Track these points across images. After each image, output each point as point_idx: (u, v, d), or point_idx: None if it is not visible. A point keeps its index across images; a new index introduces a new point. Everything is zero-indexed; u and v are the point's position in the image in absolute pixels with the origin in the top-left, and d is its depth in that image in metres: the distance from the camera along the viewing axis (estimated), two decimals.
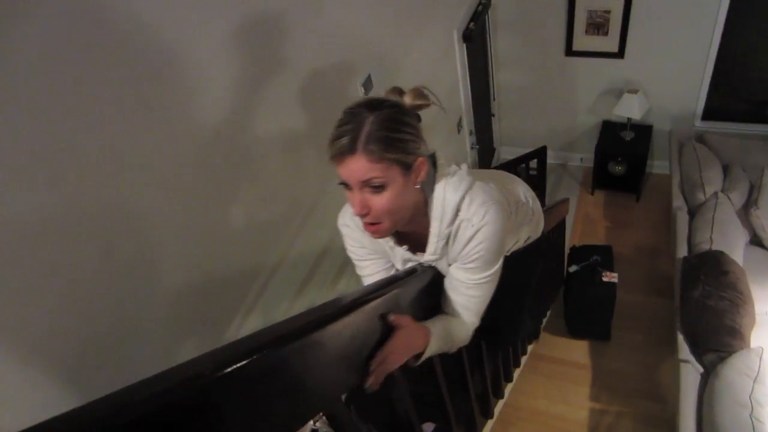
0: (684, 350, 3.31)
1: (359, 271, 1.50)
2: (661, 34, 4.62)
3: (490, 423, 2.15)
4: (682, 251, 3.99)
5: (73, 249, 1.28)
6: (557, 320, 4.18)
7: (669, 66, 4.79)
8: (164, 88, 1.46)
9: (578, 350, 3.97)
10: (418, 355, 1.14)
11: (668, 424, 3.38)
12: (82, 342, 1.34)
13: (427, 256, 1.29)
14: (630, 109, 4.82)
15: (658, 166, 5.57)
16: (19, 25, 1.04)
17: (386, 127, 1.09)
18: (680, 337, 3.38)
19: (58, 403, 1.28)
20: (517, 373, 2.62)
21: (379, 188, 1.11)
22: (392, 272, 1.41)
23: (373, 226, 1.17)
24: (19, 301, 1.17)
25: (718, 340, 3.19)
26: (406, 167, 1.14)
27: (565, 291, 4.15)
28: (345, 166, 1.11)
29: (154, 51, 1.41)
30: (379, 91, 2.73)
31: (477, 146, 4.94)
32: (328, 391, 0.87)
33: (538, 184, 5.06)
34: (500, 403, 2.38)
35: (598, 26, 4.72)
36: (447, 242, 1.25)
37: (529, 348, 3.28)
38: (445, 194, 1.22)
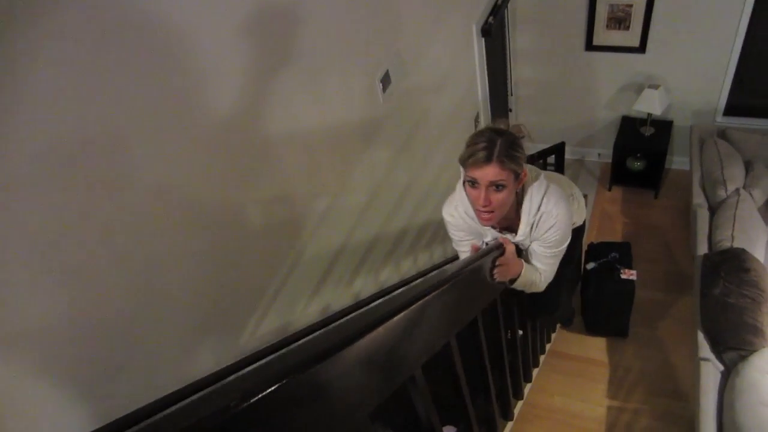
0: (704, 348, 3.27)
1: (456, 247, 2.09)
2: (684, 28, 4.53)
3: (509, 424, 2.15)
4: (703, 248, 3.94)
5: (87, 252, 1.28)
6: (575, 317, 4.15)
7: (691, 61, 4.71)
8: (178, 83, 1.45)
9: (596, 347, 3.95)
10: (513, 280, 1.75)
11: (687, 422, 3.35)
12: (98, 346, 1.35)
13: (518, 237, 1.81)
14: (650, 104, 4.75)
15: (677, 162, 5.49)
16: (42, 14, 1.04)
17: (510, 147, 1.56)
18: (700, 335, 3.34)
19: (78, 413, 1.30)
20: (535, 372, 2.61)
21: (500, 188, 1.57)
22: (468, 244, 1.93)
23: (488, 215, 1.61)
24: (33, 309, 1.17)
25: (739, 338, 3.15)
26: (517, 175, 1.60)
27: (583, 288, 4.12)
28: (480, 171, 1.55)
29: (168, 45, 1.41)
30: (396, 87, 2.73)
31: None
32: (358, 410, 0.86)
33: None
34: (519, 404, 2.38)
35: (619, 20, 4.65)
36: (531, 228, 1.76)
37: (548, 346, 3.26)
38: (532, 195, 1.73)
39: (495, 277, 1.65)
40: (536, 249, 1.85)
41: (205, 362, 1.76)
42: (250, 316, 1.98)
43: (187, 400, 0.65)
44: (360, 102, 2.46)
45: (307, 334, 2.23)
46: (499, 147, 1.54)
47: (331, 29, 2.13)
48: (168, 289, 1.55)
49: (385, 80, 2.59)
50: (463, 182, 1.67)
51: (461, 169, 1.63)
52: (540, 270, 1.89)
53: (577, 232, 2.42)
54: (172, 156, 1.47)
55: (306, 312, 2.35)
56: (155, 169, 1.42)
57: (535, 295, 2.00)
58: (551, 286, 2.00)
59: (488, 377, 1.55)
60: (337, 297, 2.59)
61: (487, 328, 1.45)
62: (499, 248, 1.74)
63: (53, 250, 1.19)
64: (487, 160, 1.53)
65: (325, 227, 2.35)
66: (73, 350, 1.28)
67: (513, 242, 1.81)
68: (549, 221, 1.73)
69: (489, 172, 1.54)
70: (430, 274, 1.07)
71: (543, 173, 1.81)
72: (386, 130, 2.75)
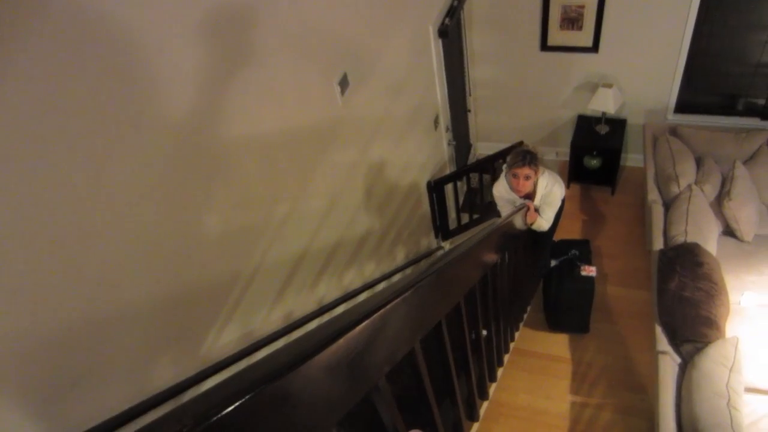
0: (662, 341, 3.36)
1: (500, 209, 3.40)
2: (635, 28, 4.66)
3: (475, 425, 2.15)
4: (658, 244, 4.05)
5: (37, 263, 1.21)
6: (537, 314, 4.21)
7: (642, 60, 4.85)
8: (128, 84, 1.39)
9: (558, 344, 4.01)
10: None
11: (648, 415, 3.43)
12: (49, 361, 1.28)
13: (535, 202, 3.19)
14: (605, 103, 4.87)
15: (632, 159, 5.64)
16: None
17: (534, 159, 2.93)
18: (658, 329, 3.43)
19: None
20: (500, 372, 2.62)
21: (528, 178, 2.97)
22: (512, 208, 3.22)
23: (522, 192, 3.06)
24: None
25: (694, 331, 3.24)
26: (535, 173, 2.98)
27: (545, 285, 4.18)
28: (520, 169, 2.95)
29: (115, 44, 1.34)
30: (355, 89, 2.70)
31: (454, 142, 4.93)
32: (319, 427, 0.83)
33: None
34: (485, 404, 2.38)
35: (572, 21, 4.75)
36: (541, 198, 3.17)
37: (511, 345, 3.29)
38: (541, 181, 3.13)
39: (528, 220, 3.16)
40: (543, 206, 3.24)
41: (163, 375, 1.69)
42: (210, 325, 1.92)
43: (139, 426, 0.60)
44: (318, 105, 2.42)
45: (269, 342, 2.17)
46: (529, 158, 2.95)
47: (286, 33, 2.09)
48: (122, 301, 1.48)
49: (343, 83, 2.56)
50: (506, 174, 3.14)
51: (504, 167, 3.14)
52: (545, 217, 3.25)
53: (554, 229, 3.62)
54: (123, 162, 1.40)
55: (268, 319, 2.29)
56: (106, 176, 1.35)
57: (537, 253, 3.81)
58: (543, 247, 3.84)
59: (453, 380, 1.53)
60: (300, 303, 2.54)
61: (451, 331, 1.43)
62: (524, 207, 3.13)
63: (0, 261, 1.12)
64: (523, 164, 2.95)
65: (286, 232, 2.30)
66: (21, 367, 1.21)
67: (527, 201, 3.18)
68: (550, 194, 3.19)
69: (525, 171, 2.97)
70: (396, 281, 1.04)
71: (546, 171, 3.19)
72: (346, 133, 2.72)
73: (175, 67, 1.54)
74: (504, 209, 3.31)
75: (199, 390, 1.91)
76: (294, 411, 0.77)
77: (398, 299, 0.96)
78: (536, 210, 3.25)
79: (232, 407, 0.65)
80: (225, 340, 2.01)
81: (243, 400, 0.66)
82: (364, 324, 0.85)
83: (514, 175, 2.98)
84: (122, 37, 1.35)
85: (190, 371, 1.81)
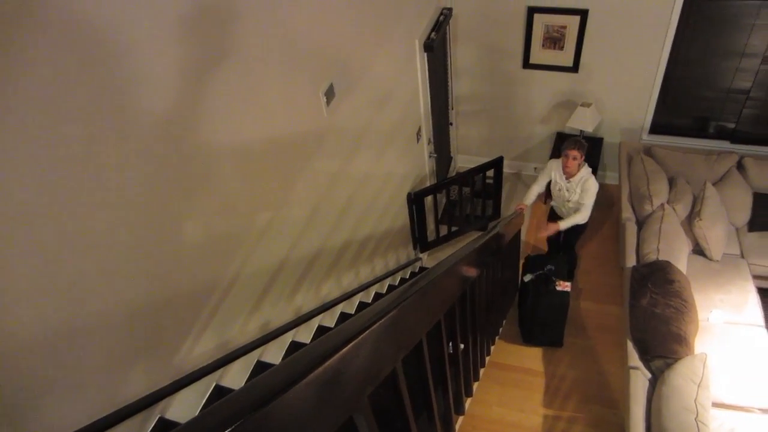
0: (633, 357, 3.42)
1: (539, 180, 4.03)
2: (614, 51, 4.78)
3: None
4: (631, 261, 4.14)
5: (8, 269, 1.19)
6: (512, 328, 4.25)
7: (620, 82, 4.97)
8: (110, 90, 1.37)
9: (532, 357, 4.05)
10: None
11: (619, 429, 3.49)
12: (18, 369, 1.25)
13: (572, 183, 3.82)
14: (583, 121, 4.97)
15: (608, 176, 5.76)
16: None
17: (582, 146, 3.68)
18: (629, 345, 3.49)
19: None
20: (476, 386, 2.64)
21: (575, 159, 3.68)
22: (547, 181, 4.02)
23: (568, 170, 3.76)
24: None
25: (665, 347, 3.31)
26: (581, 156, 3.69)
27: (520, 299, 4.23)
28: (570, 151, 3.67)
29: (95, 43, 1.33)
30: (340, 100, 2.70)
31: (435, 155, 4.97)
32: None
33: (494, 193, 5.14)
34: (460, 419, 2.39)
35: (554, 41, 4.84)
36: (579, 183, 3.80)
37: (487, 359, 3.32)
38: (583, 170, 3.79)
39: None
40: (582, 194, 3.79)
41: (136, 384, 1.66)
42: (186, 335, 1.90)
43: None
44: (303, 114, 2.42)
45: (245, 353, 2.16)
46: (578, 144, 3.65)
47: (274, 41, 2.09)
48: (96, 308, 1.45)
49: (329, 93, 2.57)
50: (560, 156, 3.80)
51: (562, 151, 3.74)
52: (586, 203, 3.79)
53: (584, 227, 4.10)
54: (102, 167, 1.38)
55: (245, 329, 2.28)
56: (84, 180, 1.33)
57: (568, 251, 4.46)
58: (571, 250, 4.52)
59: (432, 396, 1.54)
60: (278, 313, 2.52)
61: (430, 346, 1.44)
62: (516, 213, 3.97)
63: None
64: (573, 147, 3.65)
65: (266, 241, 2.29)
66: None
67: (566, 186, 3.87)
68: (587, 183, 3.76)
69: (573, 153, 3.66)
70: (379, 300, 1.05)
71: (589, 168, 3.82)
72: (330, 143, 2.72)
73: (159, 73, 1.53)
74: (541, 180, 4.01)
75: (172, 401, 1.89)
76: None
77: (383, 320, 0.96)
78: (559, 218, 4.07)
79: None
80: (200, 349, 1.99)
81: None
82: (350, 345, 0.86)
83: (566, 156, 3.69)
84: (104, 44, 1.33)
85: (164, 381, 1.79)
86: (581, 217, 3.84)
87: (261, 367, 2.39)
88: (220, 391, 2.11)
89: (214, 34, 1.74)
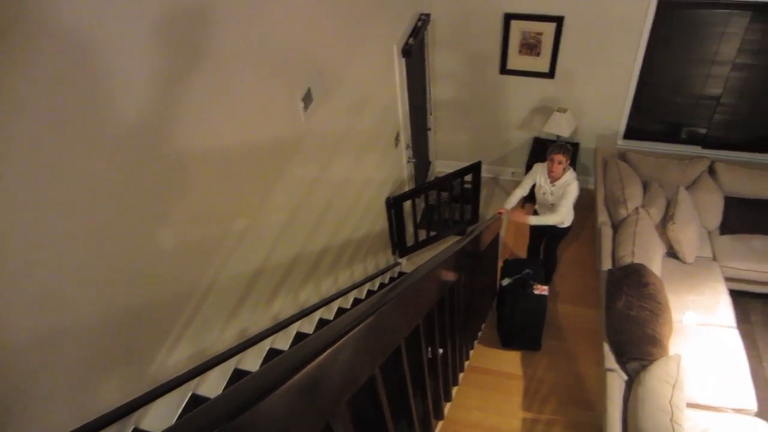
0: (610, 359, 3.46)
1: (523, 182, 4.07)
2: (589, 58, 4.86)
3: None
4: (607, 264, 4.20)
5: None
6: (491, 332, 4.27)
7: (595, 88, 5.05)
8: (81, 94, 1.34)
9: (511, 361, 4.07)
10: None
11: (596, 431, 3.52)
12: None
13: (555, 186, 3.89)
14: (559, 127, 5.03)
15: (584, 181, 5.84)
16: None
17: (567, 150, 3.77)
18: (606, 347, 3.54)
19: None
20: (455, 391, 2.64)
21: (560, 164, 3.75)
22: (531, 184, 4.06)
23: (553, 174, 3.82)
24: None
25: (640, 349, 3.36)
26: (566, 161, 3.77)
27: (498, 303, 4.26)
28: (556, 156, 3.74)
29: (65, 47, 1.30)
30: (318, 105, 2.69)
31: (414, 160, 4.99)
32: None
33: (472, 197, 5.17)
34: (440, 424, 2.39)
35: (531, 47, 4.90)
36: (562, 186, 3.85)
37: (466, 363, 3.33)
38: (567, 174, 3.86)
39: (513, 217, 3.98)
40: (560, 199, 3.86)
41: (110, 395, 1.63)
42: (162, 343, 1.86)
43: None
44: (281, 119, 2.41)
45: (222, 361, 2.13)
46: (563, 149, 3.74)
47: (251, 45, 2.07)
48: (68, 318, 1.41)
49: (307, 98, 2.56)
50: (545, 160, 3.85)
51: (548, 156, 3.80)
52: (564, 204, 3.84)
53: (566, 231, 4.20)
54: (73, 174, 1.35)
55: (222, 337, 2.25)
56: (55, 188, 1.30)
57: (548, 254, 4.49)
58: (551, 253, 4.51)
59: (411, 402, 1.54)
60: (255, 319, 2.50)
61: (409, 352, 1.43)
62: (496, 216, 4.01)
63: None
64: (558, 151, 3.73)
65: (243, 247, 2.26)
66: None
67: (551, 190, 3.94)
68: (569, 186, 3.82)
69: (558, 157, 3.74)
70: (357, 306, 1.04)
71: (574, 172, 3.90)
72: (307, 149, 2.71)
73: (131, 77, 1.50)
74: (525, 183, 4.08)
75: (147, 411, 1.85)
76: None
77: (360, 326, 0.96)
78: (535, 213, 4.25)
79: None
80: (176, 358, 1.95)
81: None
82: (327, 352, 0.85)
83: (551, 160, 3.78)
84: (75, 48, 1.31)
85: (139, 391, 1.75)
86: (556, 218, 3.90)
87: (239, 374, 2.36)
88: (196, 400, 2.08)
89: (189, 38, 1.72)
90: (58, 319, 1.39)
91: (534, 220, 3.96)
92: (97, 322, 1.53)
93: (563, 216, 3.90)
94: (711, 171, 4.83)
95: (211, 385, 2.20)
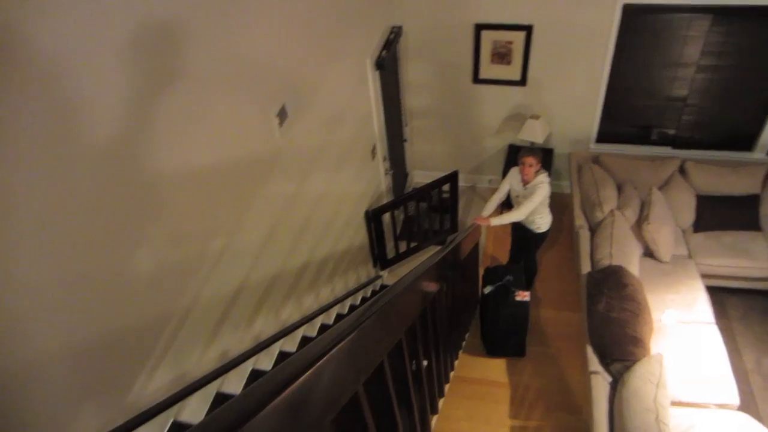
0: (593, 362, 3.48)
1: (500, 187, 4.12)
2: (559, 64, 4.95)
3: None
4: (586, 267, 4.24)
5: None
6: (474, 340, 4.27)
7: (566, 94, 5.14)
8: (49, 113, 1.31)
9: (496, 369, 4.07)
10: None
11: None
12: None
13: (527, 187, 3.89)
14: (533, 133, 5.09)
15: (560, 186, 5.91)
16: None
17: (537, 152, 3.81)
18: (589, 350, 3.56)
19: None
20: (441, 402, 2.63)
21: (531, 167, 3.79)
22: (507, 189, 4.11)
23: (525, 177, 3.85)
24: None
25: (622, 350, 3.39)
26: (537, 163, 3.80)
27: (481, 312, 4.26)
28: (526, 158, 3.77)
29: (33, 67, 1.27)
30: (293, 121, 2.68)
31: (391, 171, 4.99)
32: None
33: (451, 207, 5.19)
34: None
35: (502, 56, 4.97)
36: (533, 187, 3.83)
37: (451, 374, 3.32)
38: (539, 177, 3.83)
39: (477, 221, 3.96)
40: (529, 195, 3.83)
41: (85, 428, 1.57)
42: (140, 369, 1.81)
43: None
44: (256, 136, 2.39)
45: (203, 385, 2.08)
46: (532, 152, 3.79)
47: (224, 62, 2.06)
48: (38, 347, 1.37)
49: (282, 114, 2.55)
50: (518, 164, 3.88)
51: (519, 159, 3.81)
52: (523, 207, 3.80)
53: (544, 235, 4.24)
54: (43, 196, 1.31)
55: (203, 360, 2.20)
56: (22, 211, 1.26)
57: (528, 259, 4.51)
58: (531, 258, 4.53)
59: (396, 417, 1.52)
60: (237, 340, 2.45)
61: (393, 365, 1.42)
62: (473, 226, 3.90)
63: None
64: (528, 154, 3.77)
65: (221, 267, 2.23)
66: None
67: (523, 193, 3.95)
68: (535, 187, 3.82)
69: (529, 160, 3.77)
70: (339, 323, 1.02)
71: (546, 176, 3.87)
72: (284, 164, 2.69)
73: (103, 98, 1.48)
74: (502, 188, 4.14)
75: None
76: None
77: (342, 343, 0.94)
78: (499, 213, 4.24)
79: None
80: (155, 384, 1.90)
81: None
82: (308, 373, 0.83)
83: (522, 163, 3.82)
84: (44, 67, 1.28)
85: (116, 421, 1.70)
86: (516, 215, 3.84)
87: (221, 398, 2.31)
88: (178, 428, 2.03)
89: (160, 58, 1.70)
90: (29, 348, 1.34)
91: (495, 221, 3.89)
92: (69, 350, 1.48)
93: (525, 213, 3.83)
94: (682, 171, 4.93)
95: (193, 411, 2.15)
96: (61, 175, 1.37)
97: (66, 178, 1.38)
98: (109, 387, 1.68)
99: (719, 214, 4.66)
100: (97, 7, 1.41)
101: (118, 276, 1.64)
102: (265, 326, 2.71)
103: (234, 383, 2.44)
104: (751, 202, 4.68)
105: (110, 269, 1.60)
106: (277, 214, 2.71)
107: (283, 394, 0.79)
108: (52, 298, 1.39)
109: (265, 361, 2.73)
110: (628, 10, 4.51)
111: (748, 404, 3.85)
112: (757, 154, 5.14)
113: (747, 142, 5.15)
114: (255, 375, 2.56)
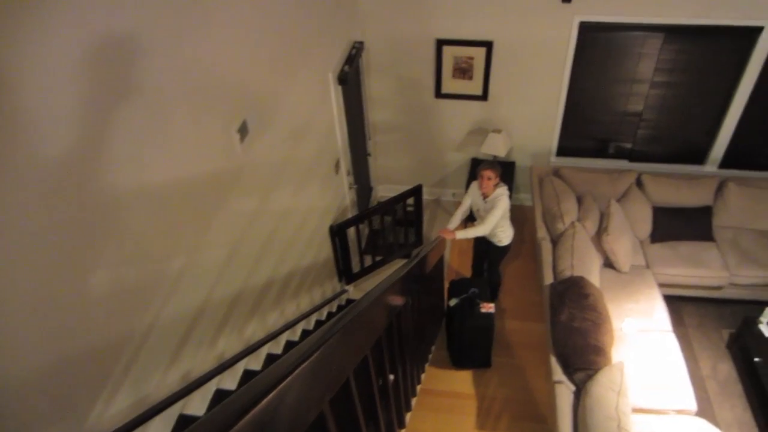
0: (557, 371, 3.54)
1: (462, 202, 4.20)
2: (519, 80, 5.07)
3: None
4: (549, 278, 4.32)
5: None
6: (441, 353, 4.28)
7: (527, 108, 5.26)
8: None
9: (462, 381, 4.09)
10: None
11: None
12: None
13: (487, 201, 3.97)
14: (495, 147, 5.18)
15: (522, 198, 6.02)
16: None
17: (495, 166, 3.89)
18: (553, 359, 3.61)
19: None
20: (408, 417, 2.62)
21: (490, 180, 3.87)
22: (470, 202, 4.19)
23: (485, 190, 3.93)
24: None
25: (585, 359, 3.45)
26: (495, 177, 3.89)
27: (447, 324, 4.28)
28: (485, 171, 3.87)
29: None
30: (254, 137, 2.66)
31: (355, 186, 5.00)
32: None
33: (415, 220, 5.22)
34: None
35: (463, 71, 5.06)
36: (493, 200, 3.93)
37: (418, 388, 3.31)
38: (498, 190, 3.93)
39: (442, 234, 3.98)
40: (489, 211, 3.91)
41: None
42: (98, 394, 1.75)
43: None
44: (216, 153, 2.36)
45: (165, 408, 2.02)
46: (491, 165, 3.86)
47: (182, 80, 2.03)
48: None
49: (242, 130, 2.52)
50: (477, 179, 3.95)
51: (478, 173, 3.91)
52: (485, 222, 3.90)
53: (506, 249, 4.33)
54: None
55: (165, 382, 2.14)
56: None
57: (492, 272, 4.59)
58: (494, 271, 4.59)
59: (362, 429, 1.51)
60: (200, 360, 2.40)
61: (359, 382, 1.41)
62: (438, 239, 3.90)
63: None
64: (486, 167, 3.85)
65: (182, 287, 2.18)
66: None
67: (483, 207, 4.02)
68: (496, 200, 3.90)
69: (488, 174, 3.85)
70: (302, 342, 1.01)
71: (505, 189, 3.96)
72: (246, 181, 2.66)
73: (52, 114, 1.43)
74: (464, 202, 4.21)
75: None
76: None
77: (306, 363, 0.93)
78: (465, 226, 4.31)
79: None
80: (115, 409, 1.84)
81: None
82: (273, 394, 0.82)
83: (481, 176, 3.90)
84: None
85: None
86: (481, 230, 3.92)
87: (184, 421, 2.24)
88: None
89: (114, 73, 1.66)
90: None
91: (460, 235, 3.93)
92: (22, 377, 1.42)
93: (489, 227, 3.92)
94: (639, 183, 5.09)
95: None
96: (9, 196, 1.32)
97: (15, 198, 1.33)
98: (65, 414, 1.61)
99: (675, 225, 4.83)
100: (47, 16, 1.38)
101: (71, 298, 1.58)
102: (228, 345, 2.65)
103: (197, 405, 2.38)
104: (704, 213, 4.87)
105: (63, 291, 1.54)
106: (240, 231, 2.67)
107: (248, 416, 0.77)
108: (2, 322, 1.33)
109: (229, 381, 2.68)
110: (584, 27, 4.66)
111: (705, 410, 3.97)
112: (708, 167, 5.36)
113: (699, 156, 5.37)
114: (219, 395, 2.50)
